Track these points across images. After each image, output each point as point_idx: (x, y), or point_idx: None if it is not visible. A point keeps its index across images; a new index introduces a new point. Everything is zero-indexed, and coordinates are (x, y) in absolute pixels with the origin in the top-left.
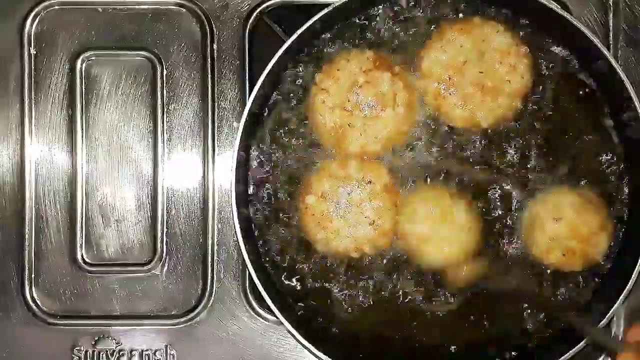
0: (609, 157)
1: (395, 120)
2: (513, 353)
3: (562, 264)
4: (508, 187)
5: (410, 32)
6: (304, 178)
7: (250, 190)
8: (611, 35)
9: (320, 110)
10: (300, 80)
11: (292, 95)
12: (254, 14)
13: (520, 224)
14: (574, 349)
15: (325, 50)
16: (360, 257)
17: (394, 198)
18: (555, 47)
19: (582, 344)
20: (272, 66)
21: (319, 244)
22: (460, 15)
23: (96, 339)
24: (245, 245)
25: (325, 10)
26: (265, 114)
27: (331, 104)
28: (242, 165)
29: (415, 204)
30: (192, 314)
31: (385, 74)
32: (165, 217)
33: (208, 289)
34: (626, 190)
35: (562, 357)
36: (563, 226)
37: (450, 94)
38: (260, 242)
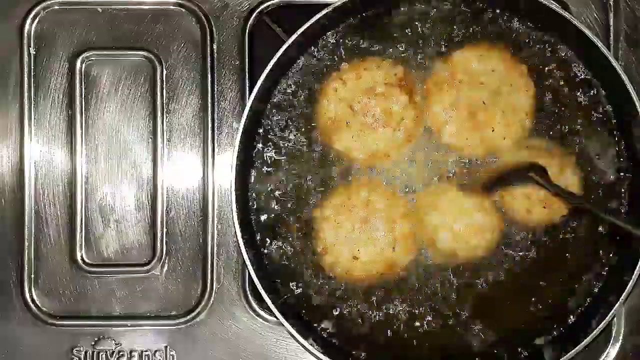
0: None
1: (389, 140)
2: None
3: (548, 214)
4: None
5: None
6: (309, 184)
7: (251, 190)
8: (612, 35)
9: (330, 96)
10: (307, 79)
11: (295, 95)
12: (254, 14)
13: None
14: (579, 346)
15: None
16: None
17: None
18: (555, 47)
19: (586, 341)
20: (272, 66)
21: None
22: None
23: (96, 339)
24: (245, 245)
25: (325, 11)
26: (267, 114)
27: (342, 95)
28: (243, 165)
29: None
30: (191, 315)
31: (403, 96)
32: (165, 218)
33: (208, 289)
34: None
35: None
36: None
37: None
38: (260, 242)
